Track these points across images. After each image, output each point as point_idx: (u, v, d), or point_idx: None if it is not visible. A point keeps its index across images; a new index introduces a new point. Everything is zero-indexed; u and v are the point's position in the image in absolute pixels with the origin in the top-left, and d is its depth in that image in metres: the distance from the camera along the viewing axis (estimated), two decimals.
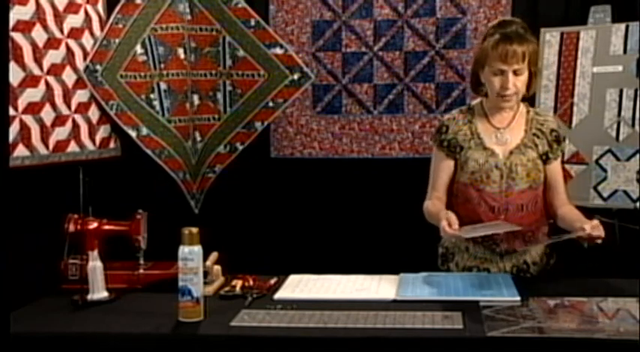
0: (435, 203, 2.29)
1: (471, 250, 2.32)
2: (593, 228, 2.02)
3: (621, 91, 3.29)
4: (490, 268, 2.29)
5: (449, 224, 2.03)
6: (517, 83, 2.18)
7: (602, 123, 3.34)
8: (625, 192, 3.28)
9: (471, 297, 1.96)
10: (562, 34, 3.44)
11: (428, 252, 2.50)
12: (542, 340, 1.64)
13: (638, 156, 3.24)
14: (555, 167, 2.31)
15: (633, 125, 3.26)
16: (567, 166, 3.44)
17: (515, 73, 2.16)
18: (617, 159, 3.30)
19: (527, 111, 2.32)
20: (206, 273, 1.99)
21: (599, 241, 2.05)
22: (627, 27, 3.28)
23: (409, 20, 3.67)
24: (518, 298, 1.93)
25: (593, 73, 3.36)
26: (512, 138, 2.27)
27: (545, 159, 2.28)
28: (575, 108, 3.42)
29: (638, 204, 3.24)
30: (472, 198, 2.27)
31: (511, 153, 2.25)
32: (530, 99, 3.50)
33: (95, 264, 2.03)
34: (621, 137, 3.29)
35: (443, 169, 2.32)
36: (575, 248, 2.24)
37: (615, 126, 3.31)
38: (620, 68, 3.29)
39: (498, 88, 2.18)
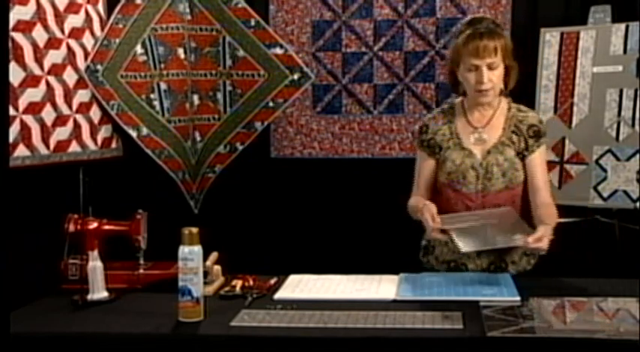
0: (416, 199, 2.31)
1: (450, 245, 2.29)
2: (536, 241, 2.01)
3: (621, 91, 3.29)
4: (467, 264, 2.29)
5: (432, 218, 2.08)
6: (492, 77, 2.18)
7: (602, 123, 3.34)
8: (625, 192, 3.28)
9: (471, 297, 1.96)
10: (562, 34, 3.44)
11: None
12: (542, 340, 1.63)
13: (638, 156, 3.24)
14: (532, 161, 2.26)
15: (633, 125, 3.26)
16: (567, 166, 3.44)
17: (490, 67, 2.16)
18: (617, 159, 3.30)
19: (509, 108, 2.30)
20: (206, 273, 1.99)
21: (542, 252, 2.11)
22: (627, 27, 3.28)
23: (409, 20, 3.68)
24: (518, 298, 1.93)
25: (593, 73, 3.36)
26: (490, 137, 2.27)
27: (522, 156, 2.26)
28: (575, 108, 3.42)
29: (638, 204, 3.24)
30: (450, 198, 2.28)
31: (488, 152, 2.25)
32: (529, 99, 3.52)
33: (95, 264, 2.03)
34: (621, 137, 3.30)
35: (425, 169, 2.34)
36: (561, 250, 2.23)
37: (615, 126, 3.31)
38: (620, 68, 3.29)
39: (474, 83, 2.18)
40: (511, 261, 2.30)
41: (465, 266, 2.30)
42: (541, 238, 2.02)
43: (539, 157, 2.27)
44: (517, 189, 2.27)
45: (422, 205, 2.16)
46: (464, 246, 2.10)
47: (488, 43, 2.15)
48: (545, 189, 2.26)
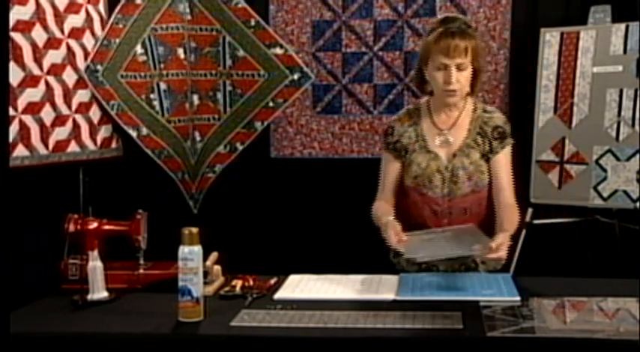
0: (381, 205, 2.27)
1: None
2: (493, 251, 1.97)
3: (621, 91, 3.29)
4: (439, 265, 2.28)
5: (397, 238, 2.04)
6: (461, 78, 2.15)
7: (602, 123, 3.34)
8: (625, 192, 3.29)
9: (471, 297, 1.96)
10: (562, 34, 3.45)
11: None
12: (542, 340, 1.63)
13: (638, 156, 3.24)
14: (495, 163, 2.23)
15: (633, 125, 3.26)
16: (567, 166, 3.44)
17: (459, 68, 2.13)
18: (617, 159, 3.30)
19: (474, 109, 2.27)
20: (206, 273, 1.99)
21: (502, 262, 2.10)
22: (627, 27, 3.28)
23: (409, 20, 3.68)
24: (518, 298, 1.92)
25: (593, 73, 3.36)
26: (455, 139, 2.24)
27: (487, 158, 2.24)
28: (575, 108, 3.42)
29: (638, 204, 3.24)
30: (416, 202, 2.27)
31: (454, 155, 2.22)
32: (529, 99, 3.53)
33: (95, 264, 2.03)
34: (621, 137, 3.30)
35: (390, 172, 2.31)
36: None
37: (615, 126, 3.32)
38: (620, 68, 3.29)
39: (442, 82, 2.15)
40: (481, 260, 2.30)
41: (437, 268, 2.28)
42: (498, 247, 1.98)
43: (503, 159, 2.24)
44: (483, 192, 2.25)
45: (385, 221, 2.12)
46: (422, 256, 2.07)
47: (460, 42, 2.11)
48: (509, 190, 2.23)
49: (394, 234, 2.06)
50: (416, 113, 2.31)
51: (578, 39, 3.40)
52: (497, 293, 1.99)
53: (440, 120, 2.27)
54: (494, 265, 2.31)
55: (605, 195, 3.34)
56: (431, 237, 2.13)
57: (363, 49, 3.72)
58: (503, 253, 2.00)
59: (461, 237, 2.10)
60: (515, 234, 2.16)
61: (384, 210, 2.24)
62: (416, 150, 2.26)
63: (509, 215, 2.18)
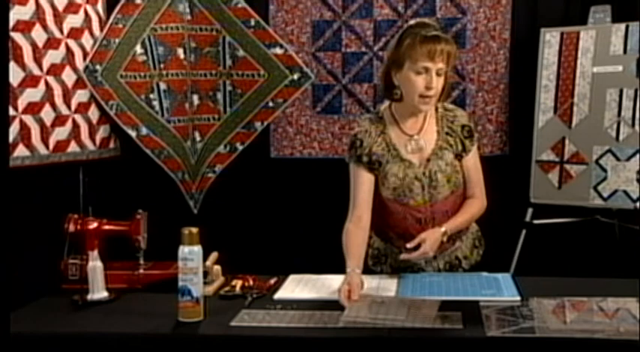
0: (353, 234, 2.17)
1: (404, 251, 2.23)
2: (415, 251, 2.06)
3: (621, 91, 3.29)
4: (424, 268, 2.28)
5: (348, 295, 1.91)
6: (438, 84, 2.10)
7: (602, 123, 3.34)
8: (625, 192, 3.29)
9: (471, 297, 1.96)
10: (562, 34, 3.45)
11: None
12: (542, 340, 1.63)
13: (638, 156, 3.24)
14: (467, 161, 2.22)
15: (633, 125, 3.26)
16: (567, 166, 3.45)
17: (438, 73, 2.08)
18: (617, 159, 3.30)
19: (436, 109, 2.23)
20: (206, 273, 1.99)
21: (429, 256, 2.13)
22: (627, 27, 3.29)
23: (409, 20, 3.65)
24: (518, 298, 1.93)
25: (593, 73, 3.36)
26: (427, 144, 2.20)
27: (460, 158, 2.22)
28: (575, 108, 3.42)
29: (638, 204, 3.24)
30: (397, 212, 2.23)
31: (428, 160, 2.19)
32: (529, 99, 3.52)
33: (95, 264, 2.03)
34: (621, 137, 3.30)
35: (363, 185, 2.22)
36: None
37: (615, 126, 3.32)
38: (620, 68, 3.29)
39: (422, 87, 2.08)
40: (463, 256, 2.31)
41: (422, 270, 2.28)
42: (420, 245, 2.06)
43: (474, 156, 2.25)
44: (460, 191, 2.25)
45: (347, 271, 2.03)
46: (346, 318, 1.79)
47: (445, 47, 2.07)
48: (478, 187, 2.25)
49: (346, 290, 1.92)
50: (379, 121, 2.25)
51: (578, 39, 3.40)
52: (497, 293, 1.99)
53: (407, 126, 2.21)
54: (475, 258, 2.34)
55: (605, 195, 3.34)
56: (383, 301, 1.93)
57: (363, 49, 3.72)
58: (426, 248, 2.07)
59: (418, 307, 1.87)
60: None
61: (354, 242, 2.15)
62: (389, 161, 2.20)
63: (469, 204, 2.23)
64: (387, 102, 2.28)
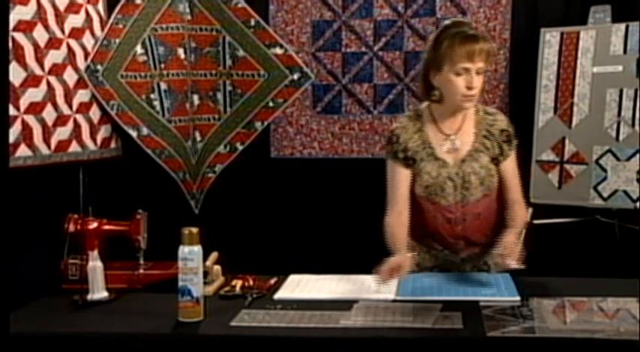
0: (397, 226, 2.20)
1: (432, 252, 2.29)
2: (506, 258, 2.02)
3: (621, 91, 3.29)
4: (451, 269, 2.28)
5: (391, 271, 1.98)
6: (479, 83, 2.10)
7: (602, 123, 3.34)
8: (625, 192, 3.29)
9: (471, 297, 1.96)
10: (562, 34, 3.44)
11: None
12: (542, 340, 1.64)
13: (638, 156, 3.24)
14: (507, 166, 2.22)
15: (633, 125, 3.26)
16: (567, 166, 3.44)
17: (477, 72, 2.08)
18: (617, 159, 3.30)
19: (477, 111, 2.23)
20: (206, 273, 1.99)
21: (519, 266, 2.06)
22: (627, 27, 3.28)
23: (409, 20, 3.67)
24: (518, 298, 1.93)
25: (593, 73, 3.36)
26: (463, 145, 2.19)
27: (497, 162, 2.21)
28: (575, 108, 3.42)
29: (638, 204, 3.24)
30: (428, 211, 2.22)
31: (463, 161, 2.18)
32: (529, 99, 3.52)
33: (95, 264, 2.03)
34: (621, 137, 3.30)
35: (401, 181, 2.22)
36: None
37: (615, 126, 3.31)
38: (620, 68, 3.29)
39: (463, 87, 2.08)
40: (493, 262, 2.30)
41: (449, 270, 2.27)
42: (508, 253, 2.03)
43: (512, 161, 2.24)
44: (493, 194, 2.24)
45: (396, 255, 2.07)
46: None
47: (483, 46, 2.07)
48: (518, 189, 2.24)
49: (395, 263, 2.01)
50: (418, 119, 2.24)
51: (578, 39, 3.40)
52: (497, 293, 1.99)
53: (445, 125, 2.21)
54: (504, 266, 2.32)
55: (605, 195, 3.34)
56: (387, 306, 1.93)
57: (363, 49, 3.72)
58: (515, 255, 2.02)
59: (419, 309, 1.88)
60: (522, 231, 2.17)
61: (400, 235, 2.17)
62: (424, 158, 2.19)
63: (516, 212, 2.19)
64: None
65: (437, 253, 2.29)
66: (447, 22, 2.20)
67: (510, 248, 2.04)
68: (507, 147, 2.21)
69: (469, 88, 2.08)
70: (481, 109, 2.24)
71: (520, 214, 2.19)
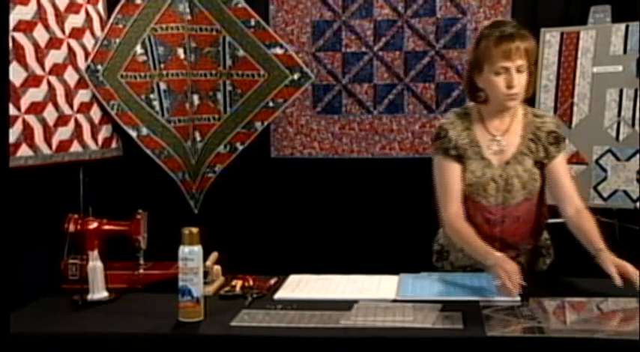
0: (461, 224, 2.16)
1: (466, 251, 2.29)
2: (628, 272, 1.92)
3: (621, 91, 3.29)
4: (483, 271, 2.27)
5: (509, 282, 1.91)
6: (521, 81, 2.09)
7: (602, 123, 3.34)
8: (625, 192, 3.28)
9: (470, 297, 1.96)
10: (562, 34, 3.44)
11: (427, 250, 2.49)
12: (542, 340, 1.64)
13: (638, 156, 3.24)
14: (555, 168, 2.19)
15: (633, 125, 3.26)
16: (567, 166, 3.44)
17: (518, 70, 2.08)
18: (617, 159, 3.30)
19: (525, 114, 2.23)
20: (206, 273, 1.99)
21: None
22: (627, 27, 3.28)
23: (409, 20, 3.68)
24: (518, 298, 1.93)
25: (593, 73, 3.36)
26: (508, 146, 2.19)
27: (541, 165, 2.20)
28: (575, 108, 3.42)
29: (638, 204, 3.24)
30: (468, 209, 2.21)
31: (507, 163, 2.18)
32: (529, 99, 3.52)
33: (95, 264, 2.03)
34: (621, 137, 3.30)
35: (454, 177, 2.19)
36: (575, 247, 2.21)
37: (615, 126, 3.31)
38: (620, 68, 3.29)
39: (504, 87, 2.09)
40: (528, 264, 2.29)
41: (481, 271, 2.22)
42: (626, 269, 1.94)
43: (562, 163, 2.21)
44: (535, 199, 2.23)
45: (492, 260, 1.99)
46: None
47: (520, 44, 2.06)
48: (576, 195, 2.19)
49: (508, 276, 1.93)
50: (466, 117, 2.23)
51: (578, 39, 3.40)
52: (497, 293, 1.99)
53: (492, 125, 2.20)
54: (540, 266, 2.33)
55: (605, 195, 3.34)
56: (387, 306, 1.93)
57: (363, 49, 3.72)
58: (632, 269, 1.95)
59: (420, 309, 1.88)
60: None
61: (472, 234, 2.13)
62: (471, 156, 2.19)
63: (591, 224, 2.12)
64: None
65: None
66: (488, 22, 2.22)
67: (622, 265, 1.96)
68: (554, 148, 2.20)
69: (509, 86, 2.09)
70: (530, 111, 2.24)
71: (593, 225, 2.12)
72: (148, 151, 3.40)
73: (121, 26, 3.25)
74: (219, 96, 3.67)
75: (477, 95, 2.19)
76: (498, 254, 2.04)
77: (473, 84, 2.18)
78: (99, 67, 3.11)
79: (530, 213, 2.25)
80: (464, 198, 2.21)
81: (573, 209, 2.17)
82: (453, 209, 2.19)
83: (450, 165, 2.20)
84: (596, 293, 1.98)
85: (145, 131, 3.38)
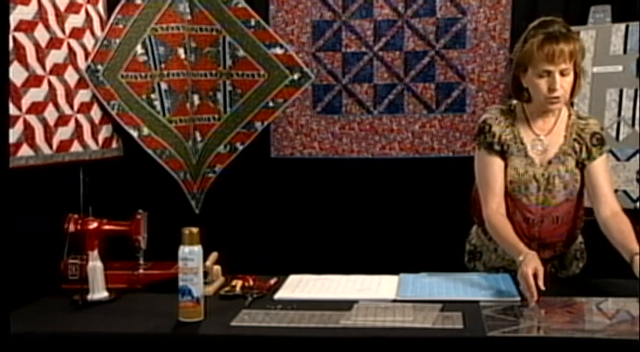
0: (503, 223, 2.14)
1: (499, 251, 2.27)
2: None
3: (621, 91, 3.29)
4: (516, 272, 2.26)
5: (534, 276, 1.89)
6: (564, 84, 2.07)
7: (602, 123, 3.34)
8: (625, 192, 3.28)
9: (470, 297, 1.96)
10: None
11: (427, 251, 2.50)
12: (542, 340, 1.64)
13: (638, 156, 3.24)
14: (594, 168, 2.17)
15: (633, 125, 3.26)
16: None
17: (562, 73, 2.05)
18: (617, 159, 3.30)
19: (569, 115, 2.21)
20: (206, 273, 1.99)
21: None
22: (627, 27, 3.28)
23: (409, 20, 3.67)
24: (518, 298, 1.93)
25: (593, 72, 3.36)
26: (551, 146, 2.18)
27: (582, 166, 2.18)
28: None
29: (638, 204, 3.24)
30: (508, 207, 2.19)
31: (550, 162, 2.17)
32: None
33: (95, 264, 2.03)
34: (621, 137, 3.30)
35: (498, 172, 2.18)
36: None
37: (615, 126, 3.31)
38: (620, 68, 3.29)
39: (545, 90, 2.07)
40: (562, 266, 2.28)
41: (514, 273, 2.17)
42: None
43: (602, 164, 2.19)
44: (574, 201, 2.22)
45: (524, 269, 1.93)
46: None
47: (564, 47, 2.04)
48: (613, 197, 2.18)
49: (531, 275, 1.91)
50: (510, 114, 2.22)
51: None
52: (497, 293, 1.99)
53: (536, 125, 2.19)
54: (574, 270, 2.31)
55: None
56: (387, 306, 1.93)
57: (363, 49, 3.71)
58: None
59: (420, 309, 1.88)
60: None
61: (509, 230, 2.11)
62: (514, 153, 2.18)
63: (628, 228, 2.09)
64: None
65: (504, 253, 2.23)
66: (537, 20, 2.18)
67: None
68: (596, 150, 2.18)
69: (551, 90, 2.07)
70: (574, 114, 2.23)
71: (630, 228, 2.09)
72: (149, 151, 3.41)
73: (121, 26, 3.25)
74: (219, 96, 3.67)
75: (522, 94, 2.18)
76: (528, 252, 2.00)
77: (518, 83, 2.17)
78: (99, 67, 3.11)
79: (570, 214, 2.23)
80: (504, 195, 2.19)
81: (609, 210, 2.15)
82: (494, 204, 2.17)
83: (493, 159, 2.19)
84: (596, 293, 1.98)
85: (146, 131, 3.38)
